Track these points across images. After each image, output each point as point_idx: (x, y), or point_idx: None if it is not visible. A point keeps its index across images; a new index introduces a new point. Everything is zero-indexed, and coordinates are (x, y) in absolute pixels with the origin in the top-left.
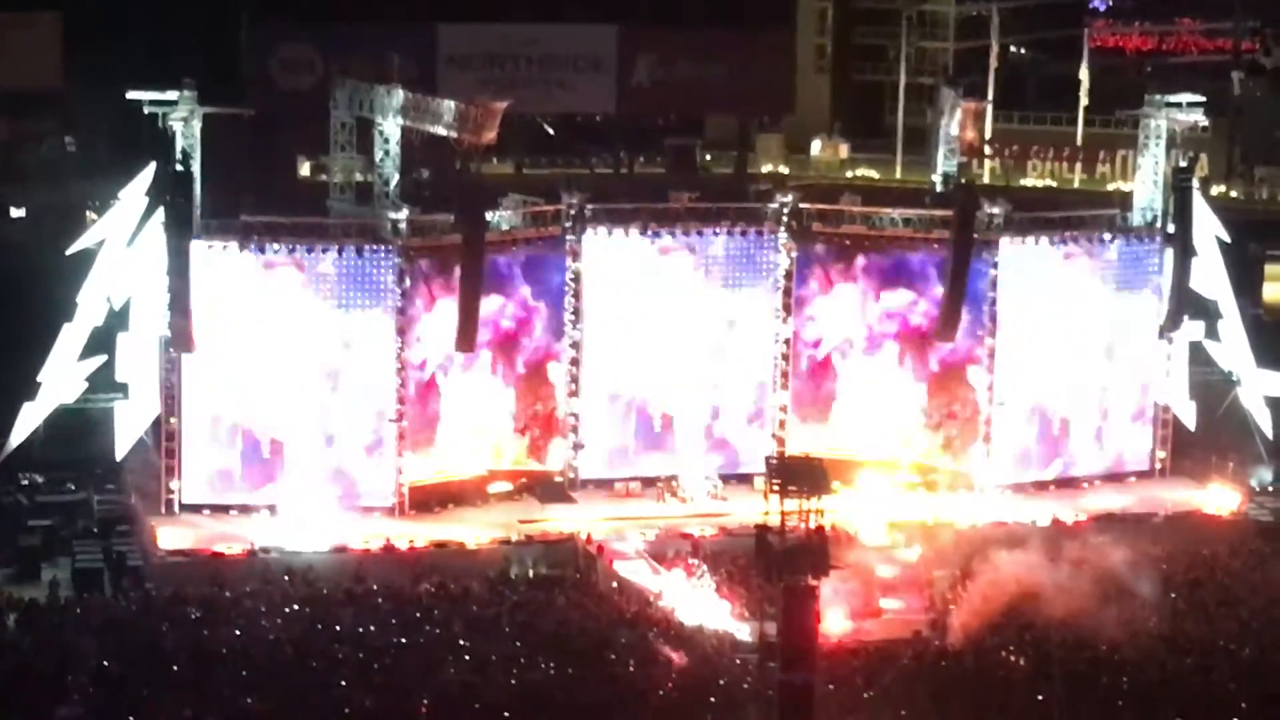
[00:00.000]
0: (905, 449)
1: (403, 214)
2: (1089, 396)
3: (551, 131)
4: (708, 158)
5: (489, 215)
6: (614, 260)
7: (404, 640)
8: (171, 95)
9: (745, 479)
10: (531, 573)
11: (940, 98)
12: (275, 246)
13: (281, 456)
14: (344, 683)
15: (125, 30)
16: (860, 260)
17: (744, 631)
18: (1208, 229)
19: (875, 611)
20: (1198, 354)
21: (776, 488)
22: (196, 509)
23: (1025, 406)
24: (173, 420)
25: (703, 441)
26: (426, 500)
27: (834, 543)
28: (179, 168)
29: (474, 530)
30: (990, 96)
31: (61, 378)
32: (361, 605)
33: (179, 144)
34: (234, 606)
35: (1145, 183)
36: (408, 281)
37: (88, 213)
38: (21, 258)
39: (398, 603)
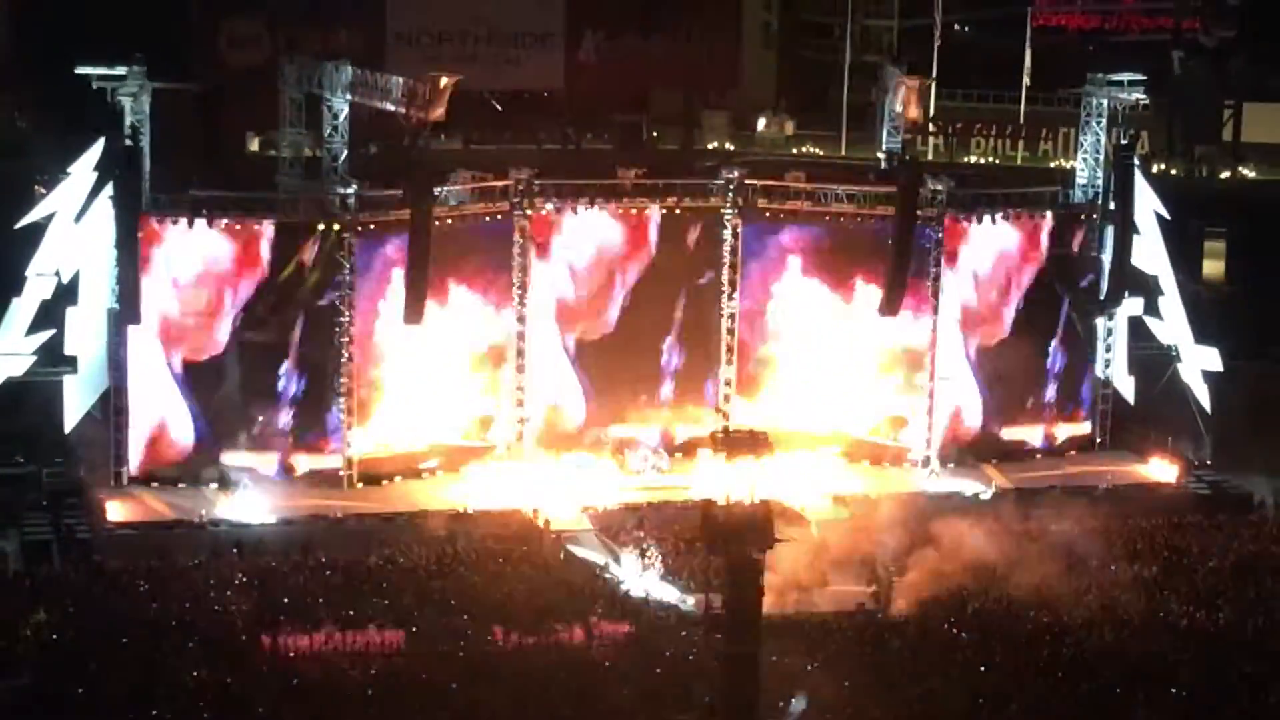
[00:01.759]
0: (849, 423)
1: (351, 189)
2: (1028, 370)
3: (500, 107)
4: (654, 134)
5: (437, 190)
6: (562, 234)
7: (353, 612)
8: (120, 70)
9: (691, 452)
10: (479, 545)
11: (884, 75)
12: (224, 220)
13: (231, 429)
14: (292, 655)
15: (75, 4)
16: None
17: (689, 604)
18: (1148, 206)
19: (819, 584)
20: (1138, 329)
21: (722, 461)
22: (145, 482)
23: (967, 380)
24: (121, 393)
25: (650, 415)
26: (374, 473)
27: (778, 516)
28: (128, 142)
29: (422, 503)
30: (934, 74)
31: (9, 352)
32: (310, 577)
33: (128, 119)
34: (183, 579)
35: (1087, 160)
36: (355, 255)
37: (36, 187)
38: None
39: (346, 575)
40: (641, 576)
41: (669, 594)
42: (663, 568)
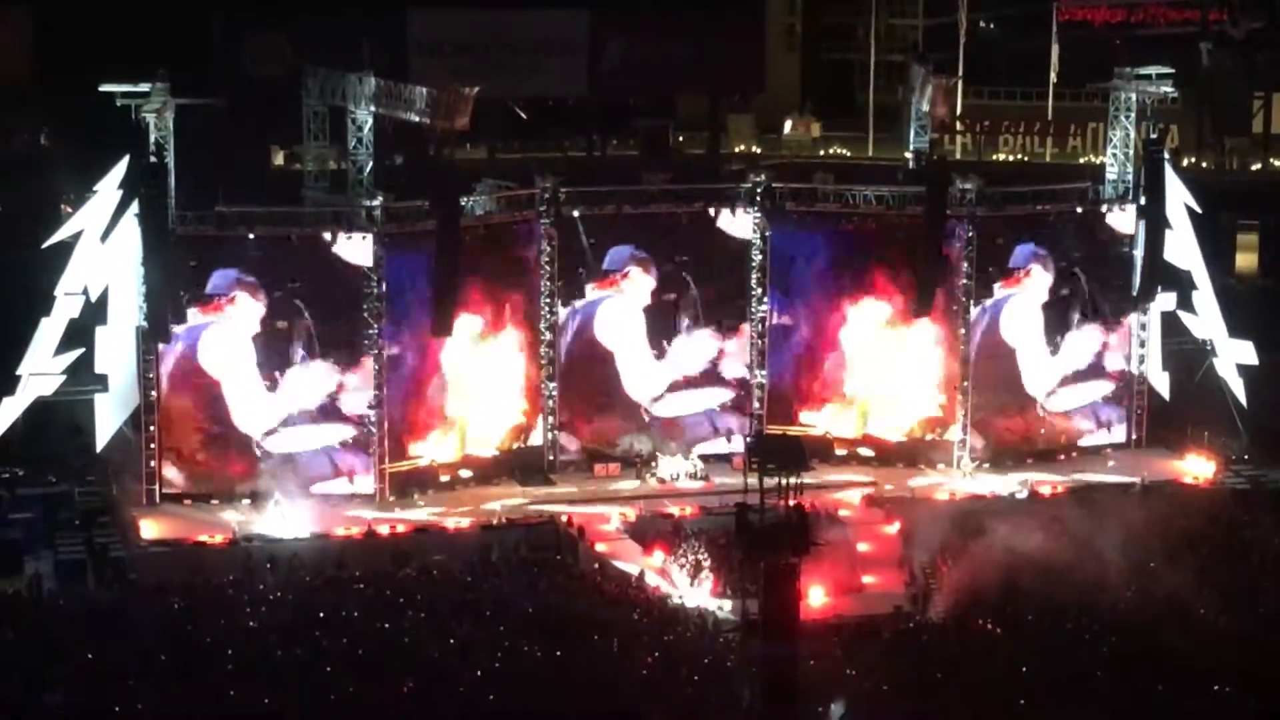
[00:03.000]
0: (884, 425)
1: (377, 201)
2: (1063, 368)
3: (524, 116)
4: (680, 139)
5: (463, 200)
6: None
7: (387, 625)
8: (144, 87)
9: (725, 457)
10: (513, 556)
11: (910, 75)
12: (251, 235)
13: (262, 445)
14: (328, 669)
15: (97, 23)
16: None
17: (726, 609)
18: (1179, 200)
19: (856, 587)
20: (1172, 325)
21: (756, 466)
22: (178, 499)
23: (1001, 379)
24: (152, 411)
25: (682, 420)
26: (407, 485)
27: (814, 520)
28: (153, 159)
29: (454, 515)
30: (960, 72)
31: (40, 371)
32: (344, 591)
33: (152, 136)
34: (217, 595)
35: (1116, 155)
36: (383, 267)
37: (63, 206)
38: None
39: (380, 588)
40: (677, 583)
41: (705, 600)
42: (698, 574)
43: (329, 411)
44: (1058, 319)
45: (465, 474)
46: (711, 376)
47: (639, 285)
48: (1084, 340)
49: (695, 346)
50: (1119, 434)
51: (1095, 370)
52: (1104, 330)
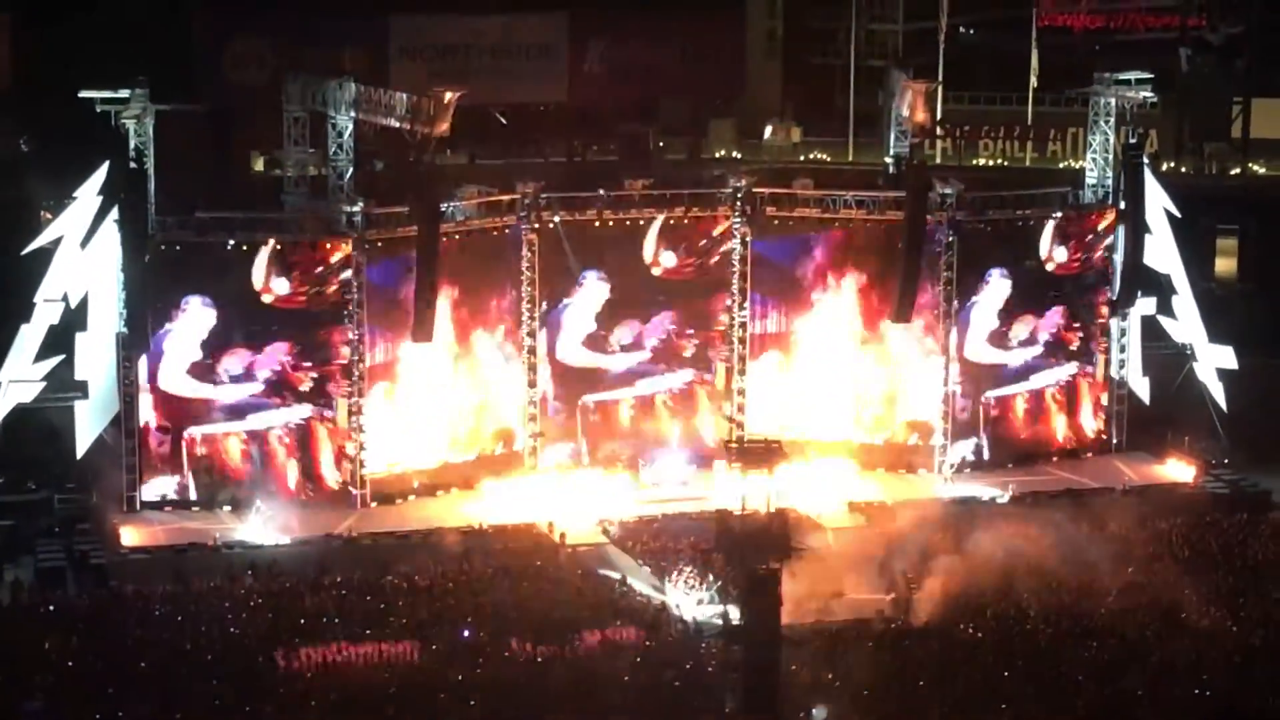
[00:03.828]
0: (863, 429)
1: (357, 207)
2: (1042, 373)
3: (504, 121)
4: (660, 144)
5: (443, 206)
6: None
7: (368, 631)
8: (123, 93)
9: (705, 463)
10: (495, 561)
11: (890, 80)
12: (230, 241)
13: (242, 451)
14: (309, 675)
15: (76, 28)
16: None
17: (708, 615)
18: (1159, 204)
19: (838, 593)
20: (1151, 329)
21: (737, 471)
22: (158, 505)
23: (981, 384)
24: (133, 417)
25: (664, 427)
26: (388, 492)
27: (795, 526)
28: (132, 165)
29: (436, 520)
30: (940, 77)
31: (19, 378)
32: (325, 598)
33: (132, 142)
34: (198, 602)
35: (1096, 160)
36: (363, 273)
37: (42, 213)
38: None
39: (362, 594)
40: (659, 589)
41: (687, 606)
42: (680, 579)
43: (244, 378)
44: (1006, 311)
45: (446, 479)
46: (637, 346)
47: (595, 288)
48: (1022, 324)
49: (626, 327)
50: (1099, 438)
51: (1029, 342)
52: (1035, 318)
